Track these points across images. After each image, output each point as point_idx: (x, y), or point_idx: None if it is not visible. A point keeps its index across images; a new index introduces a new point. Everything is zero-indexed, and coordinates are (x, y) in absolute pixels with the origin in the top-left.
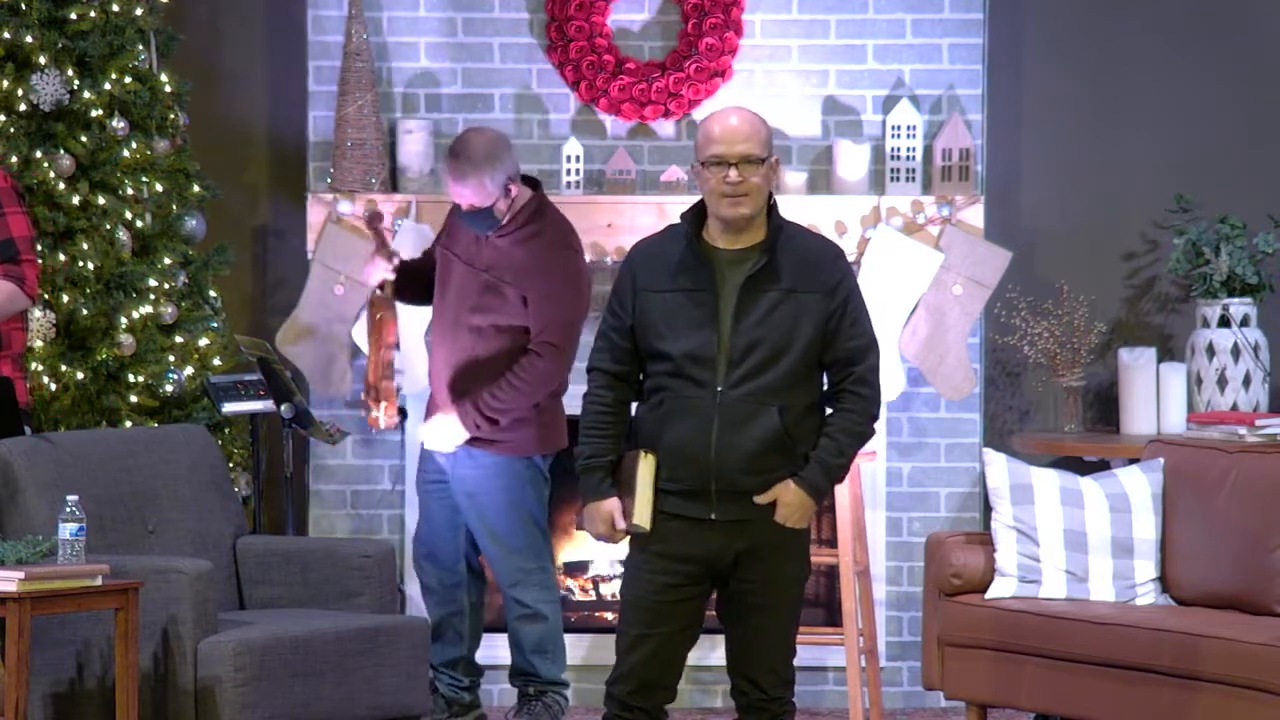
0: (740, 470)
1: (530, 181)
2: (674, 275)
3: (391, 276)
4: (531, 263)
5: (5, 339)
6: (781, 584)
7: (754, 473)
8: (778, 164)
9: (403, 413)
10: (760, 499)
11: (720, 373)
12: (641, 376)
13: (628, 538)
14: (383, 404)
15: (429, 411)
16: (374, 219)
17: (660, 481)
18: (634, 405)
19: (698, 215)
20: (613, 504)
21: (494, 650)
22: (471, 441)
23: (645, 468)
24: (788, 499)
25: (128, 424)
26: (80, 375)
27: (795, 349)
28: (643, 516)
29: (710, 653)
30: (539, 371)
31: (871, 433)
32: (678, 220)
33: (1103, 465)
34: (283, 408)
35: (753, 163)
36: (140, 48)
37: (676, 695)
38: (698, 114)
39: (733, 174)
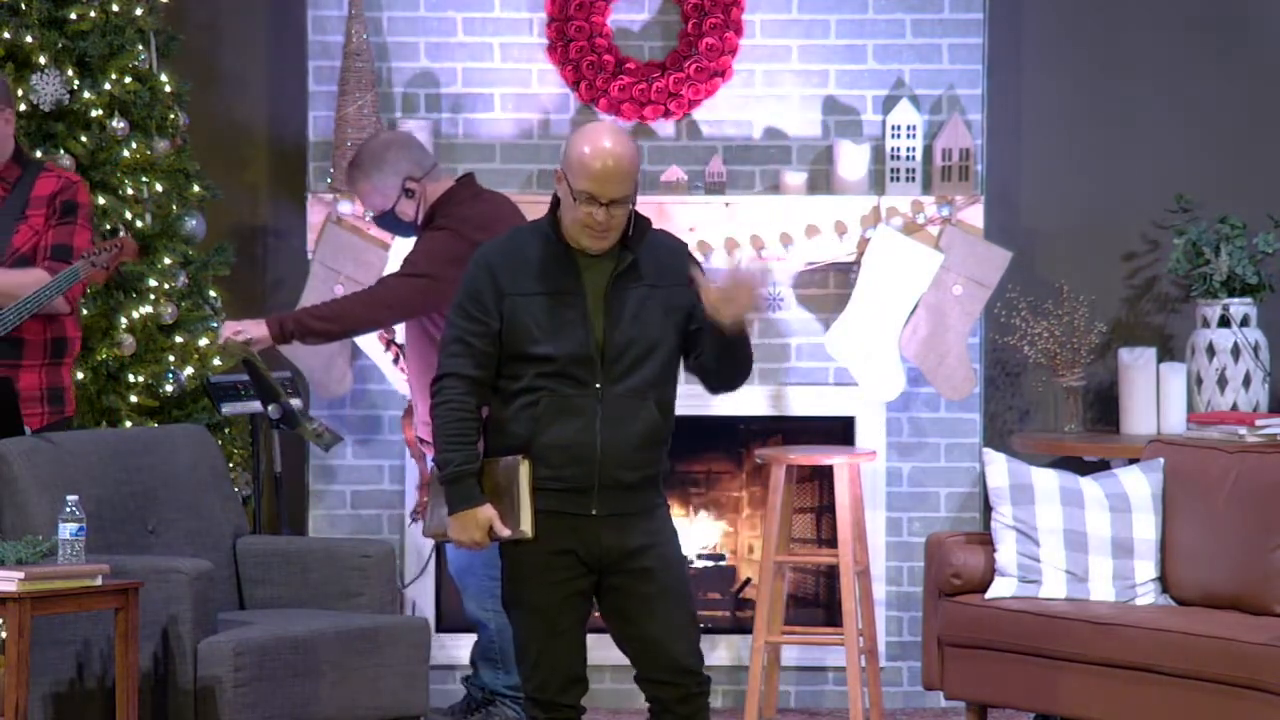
0: (623, 465)
1: (465, 177)
2: (539, 277)
3: None
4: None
5: (68, 345)
6: (674, 566)
7: (634, 467)
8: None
9: None
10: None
11: (599, 371)
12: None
13: (495, 542)
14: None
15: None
16: None
17: (537, 481)
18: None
19: (556, 214)
20: (490, 511)
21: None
22: (424, 444)
23: (524, 475)
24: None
25: (128, 424)
26: (80, 375)
27: (665, 343)
28: (526, 523)
29: None
30: (360, 294)
31: (749, 367)
32: (530, 222)
33: (1103, 465)
34: (270, 408)
35: (621, 203)
36: (140, 48)
37: (589, 686)
38: (698, 114)
39: (601, 214)
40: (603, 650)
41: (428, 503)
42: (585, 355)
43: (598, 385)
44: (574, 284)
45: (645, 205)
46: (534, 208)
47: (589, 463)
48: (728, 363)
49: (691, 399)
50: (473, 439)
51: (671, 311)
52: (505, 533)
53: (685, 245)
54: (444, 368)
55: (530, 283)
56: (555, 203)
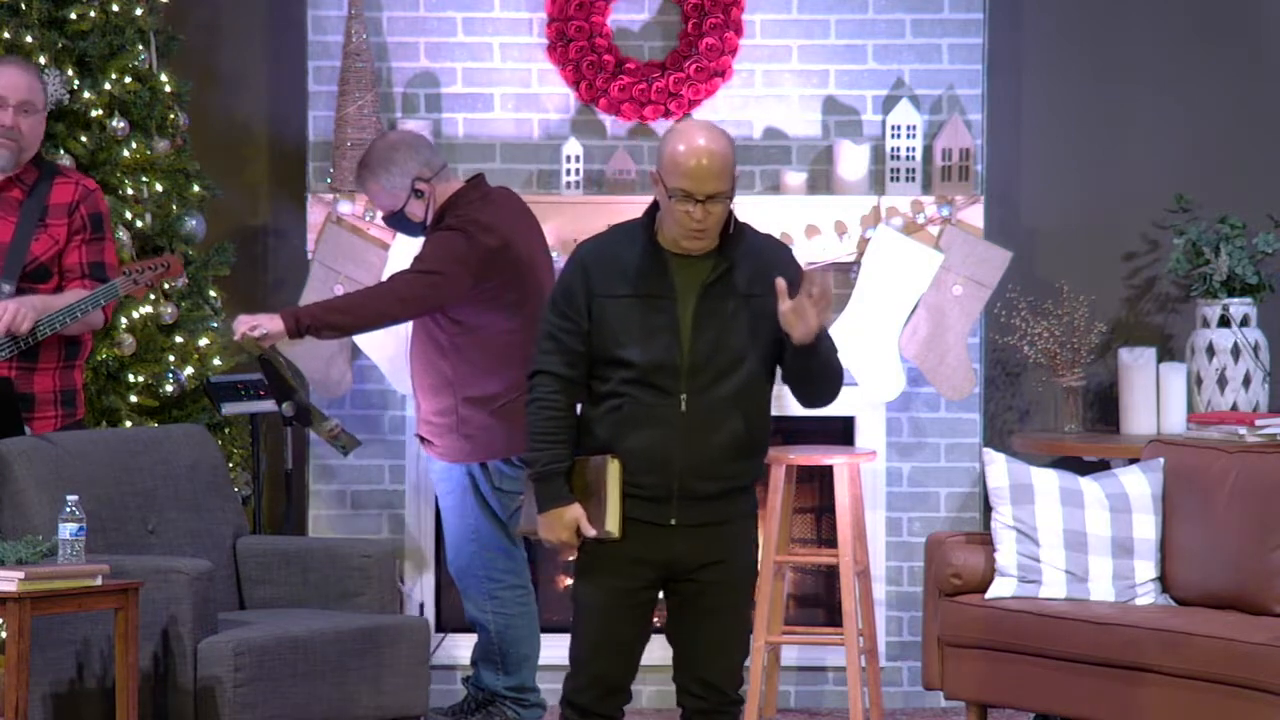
0: (703, 476)
1: (475, 178)
2: (631, 280)
3: None
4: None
5: (81, 347)
6: (740, 585)
7: (716, 478)
8: (736, 179)
9: None
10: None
11: (683, 380)
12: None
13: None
14: None
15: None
16: None
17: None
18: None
19: (653, 216)
20: (577, 510)
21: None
22: (425, 443)
23: (613, 473)
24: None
25: (128, 424)
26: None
27: (755, 354)
28: (614, 523)
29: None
30: (374, 288)
31: (837, 382)
32: (623, 220)
33: (1103, 465)
34: (284, 406)
35: (718, 199)
36: (140, 48)
37: (632, 697)
38: (698, 114)
39: (698, 212)
40: None
41: (522, 499)
42: (670, 363)
43: (682, 395)
44: (666, 289)
45: (645, 205)
46: (534, 208)
47: (667, 472)
48: (806, 378)
49: None
50: (562, 437)
51: (763, 323)
52: (591, 532)
53: (788, 249)
54: (536, 364)
55: (621, 285)
56: (654, 205)
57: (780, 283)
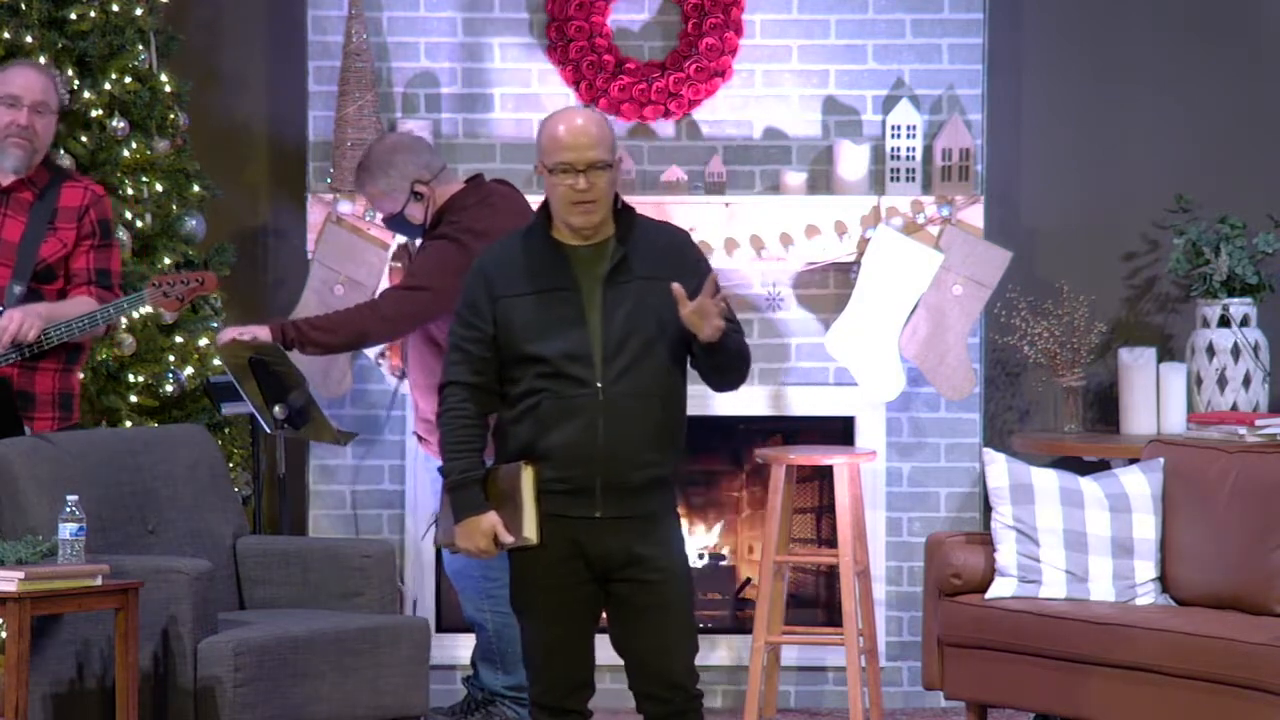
0: (627, 465)
1: (474, 179)
2: (532, 277)
3: None
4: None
5: (81, 351)
6: (676, 579)
7: (639, 466)
8: (620, 162)
9: None
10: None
11: (598, 369)
12: (501, 385)
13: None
14: None
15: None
16: None
17: (543, 484)
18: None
19: (546, 214)
20: (493, 518)
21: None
22: (421, 441)
23: (527, 480)
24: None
25: (128, 424)
26: (80, 375)
27: (666, 336)
28: (531, 529)
29: None
30: (360, 306)
31: (745, 367)
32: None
33: (1103, 465)
34: (275, 409)
35: (600, 168)
36: (140, 48)
37: (595, 689)
38: (698, 114)
39: (581, 182)
40: (601, 650)
41: (438, 512)
42: (583, 353)
43: (598, 384)
44: (567, 281)
45: (645, 205)
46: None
47: (591, 463)
48: (716, 366)
49: (691, 399)
50: (475, 446)
51: (669, 311)
52: (509, 539)
53: (687, 235)
54: (445, 376)
55: (522, 283)
56: (545, 204)
57: (677, 288)
